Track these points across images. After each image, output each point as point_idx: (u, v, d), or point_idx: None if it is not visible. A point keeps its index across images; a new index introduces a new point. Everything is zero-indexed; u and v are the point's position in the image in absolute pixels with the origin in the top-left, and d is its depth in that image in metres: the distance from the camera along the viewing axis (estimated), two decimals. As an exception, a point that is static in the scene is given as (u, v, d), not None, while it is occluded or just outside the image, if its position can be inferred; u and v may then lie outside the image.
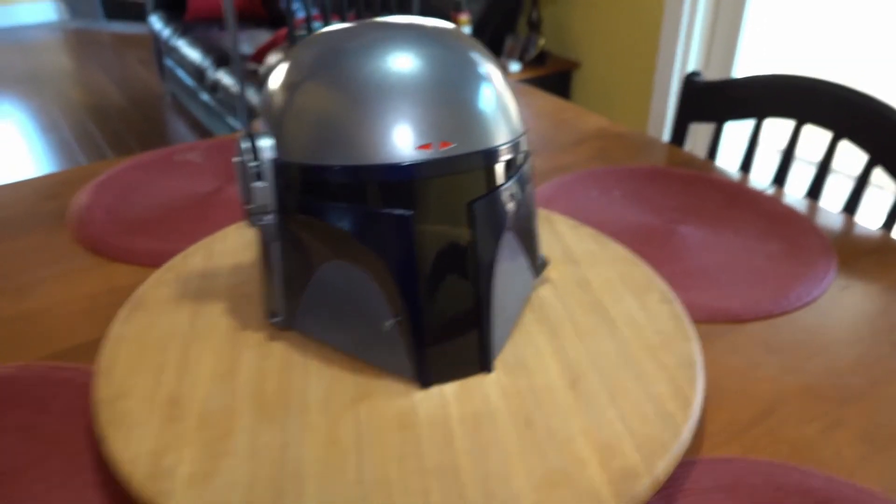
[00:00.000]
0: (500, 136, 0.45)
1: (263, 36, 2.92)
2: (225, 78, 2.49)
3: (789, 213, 0.74)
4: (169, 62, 3.12)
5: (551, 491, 0.38)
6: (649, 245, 0.68)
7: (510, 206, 0.46)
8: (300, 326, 0.50)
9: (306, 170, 0.44)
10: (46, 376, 0.51)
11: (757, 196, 0.77)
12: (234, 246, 0.61)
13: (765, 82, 0.87)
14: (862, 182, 0.81)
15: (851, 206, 0.82)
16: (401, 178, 0.42)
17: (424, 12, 2.29)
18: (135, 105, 3.30)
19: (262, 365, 0.48)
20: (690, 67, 1.94)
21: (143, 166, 0.83)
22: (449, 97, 0.43)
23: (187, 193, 0.77)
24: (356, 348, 0.48)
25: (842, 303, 0.61)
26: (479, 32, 2.26)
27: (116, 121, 3.10)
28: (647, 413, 0.44)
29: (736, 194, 0.78)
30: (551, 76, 2.26)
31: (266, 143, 0.45)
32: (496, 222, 0.45)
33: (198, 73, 2.68)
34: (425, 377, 0.45)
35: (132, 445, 0.41)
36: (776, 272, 0.64)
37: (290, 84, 0.45)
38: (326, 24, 1.79)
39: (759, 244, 0.69)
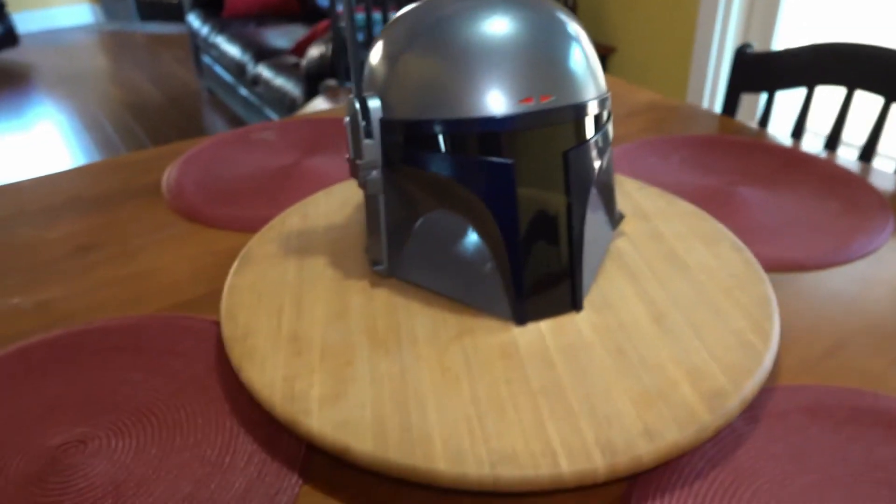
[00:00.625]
0: (590, 92, 0.49)
1: (299, 31, 2.98)
2: (266, 71, 2.55)
3: (844, 173, 0.77)
4: (206, 59, 3.20)
5: (649, 407, 0.42)
6: (711, 205, 0.71)
7: (596, 159, 0.50)
8: (402, 274, 0.54)
9: (414, 125, 0.48)
10: (169, 324, 0.56)
11: (812, 159, 0.80)
12: (326, 209, 0.66)
13: (814, 51, 0.90)
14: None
15: (903, 169, 0.84)
16: (504, 129, 0.46)
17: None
18: (172, 101, 3.39)
19: (370, 307, 0.52)
20: (729, 42, 1.96)
21: (223, 143, 0.89)
22: (545, 55, 0.47)
23: (267, 166, 0.82)
24: (455, 291, 0.52)
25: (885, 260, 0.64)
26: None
27: (156, 117, 3.18)
28: (729, 343, 0.48)
29: (791, 158, 0.81)
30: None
31: (374, 104, 0.50)
32: (586, 173, 0.49)
33: (238, 68, 2.75)
34: (521, 316, 0.50)
35: (266, 374, 0.46)
36: (835, 226, 0.67)
37: (392, 53, 0.49)
38: (368, 15, 1.84)
39: (817, 202, 0.72)
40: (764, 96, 0.92)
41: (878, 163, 1.42)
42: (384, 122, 0.50)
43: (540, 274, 0.49)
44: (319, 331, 0.50)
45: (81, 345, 0.54)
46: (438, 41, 0.48)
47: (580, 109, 0.48)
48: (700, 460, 0.43)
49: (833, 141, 0.90)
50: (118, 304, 0.59)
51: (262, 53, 2.70)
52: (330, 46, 2.11)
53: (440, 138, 0.48)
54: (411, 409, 0.43)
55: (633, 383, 0.44)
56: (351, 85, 1.91)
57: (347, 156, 0.53)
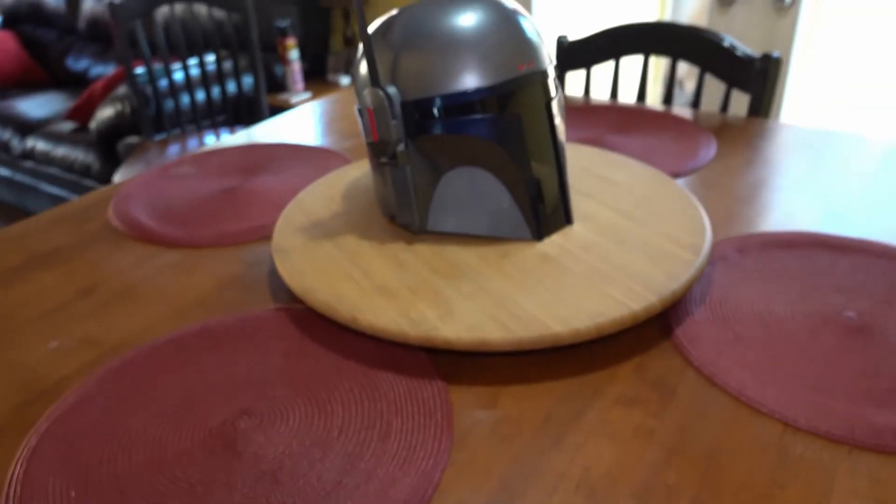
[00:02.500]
0: (547, 60, 0.65)
1: (57, 97, 2.78)
2: (41, 144, 2.36)
3: (674, 117, 1.04)
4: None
5: (660, 264, 0.60)
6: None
7: (560, 109, 0.67)
8: (434, 226, 0.66)
9: (440, 99, 0.60)
10: (252, 321, 0.61)
11: (646, 111, 1.06)
12: (320, 204, 0.75)
13: (612, 33, 1.17)
14: (700, 84, 1.14)
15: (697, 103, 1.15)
16: (510, 91, 0.61)
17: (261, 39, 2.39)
18: None
19: (421, 255, 0.63)
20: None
21: (148, 182, 0.90)
22: (524, 34, 0.62)
23: (212, 189, 0.87)
24: (481, 228, 0.65)
25: (723, 165, 0.90)
26: (303, 54, 2.41)
27: None
28: (681, 221, 0.67)
29: (633, 112, 1.06)
30: (375, 84, 2.48)
31: (393, 90, 0.62)
32: (558, 119, 0.66)
33: None
34: (540, 233, 0.65)
35: (381, 317, 0.55)
36: (676, 150, 0.92)
37: (400, 45, 0.62)
38: (166, 65, 1.84)
39: (659, 139, 0.97)
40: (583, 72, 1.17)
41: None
42: (407, 104, 0.62)
43: (545, 199, 0.65)
44: (394, 280, 0.60)
45: (199, 343, 0.57)
46: (450, 29, 0.61)
47: (546, 72, 0.64)
48: (699, 287, 0.61)
49: (642, 94, 1.19)
50: (163, 321, 0.63)
51: (28, 126, 2.48)
52: (127, 103, 2.04)
53: (473, 104, 0.61)
54: (509, 305, 0.56)
55: (641, 255, 0.62)
56: (148, 138, 1.90)
57: (369, 140, 0.64)
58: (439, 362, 0.55)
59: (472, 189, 0.65)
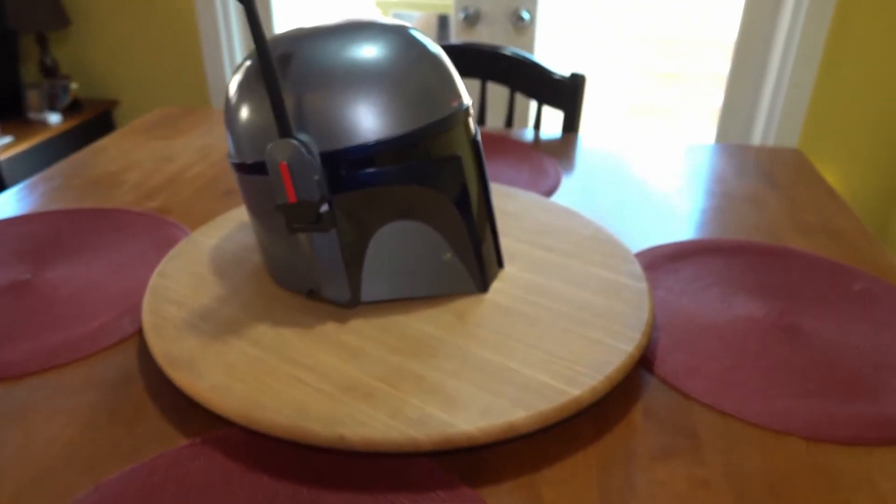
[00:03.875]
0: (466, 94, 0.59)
1: None
2: None
3: (524, 144, 1.03)
4: None
5: (612, 296, 0.58)
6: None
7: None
8: (368, 296, 0.55)
9: (362, 148, 0.50)
10: (185, 461, 0.44)
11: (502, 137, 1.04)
12: (189, 287, 0.58)
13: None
14: (511, 103, 1.16)
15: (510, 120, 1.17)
16: (443, 130, 0.53)
17: None
18: None
19: (367, 335, 0.52)
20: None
21: None
22: (445, 70, 0.55)
23: (-8, 295, 0.62)
24: (419, 289, 0.56)
25: (576, 185, 0.93)
26: (-11, 90, 1.94)
27: None
28: (606, 250, 0.66)
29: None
30: (92, 121, 2.12)
31: (308, 140, 0.50)
32: (483, 155, 0.60)
33: None
34: (485, 283, 0.58)
35: (373, 427, 0.44)
36: (528, 176, 0.93)
37: (308, 90, 0.50)
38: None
39: (507, 165, 0.96)
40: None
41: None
42: (327, 154, 0.50)
43: (483, 245, 0.58)
44: (356, 373, 0.48)
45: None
46: (374, 64, 0.51)
47: (468, 108, 0.58)
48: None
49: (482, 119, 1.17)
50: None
51: None
52: None
53: (396, 152, 0.51)
54: (506, 374, 0.48)
55: (594, 290, 0.59)
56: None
57: (281, 203, 0.50)
58: (449, 465, 0.46)
59: (406, 246, 0.55)
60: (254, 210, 0.57)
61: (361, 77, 0.51)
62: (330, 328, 0.53)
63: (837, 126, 1.79)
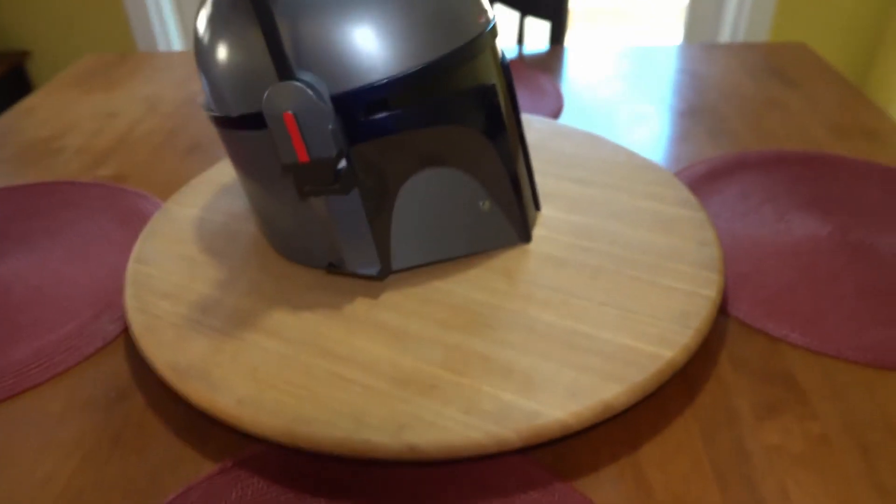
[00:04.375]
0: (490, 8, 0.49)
1: None
2: None
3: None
4: None
5: (676, 232, 0.51)
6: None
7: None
8: (399, 263, 0.47)
9: (393, 81, 0.40)
10: (228, 480, 0.36)
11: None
12: (177, 272, 0.48)
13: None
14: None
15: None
16: (473, 54, 0.43)
17: None
18: None
19: (407, 311, 0.44)
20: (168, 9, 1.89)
21: None
22: None
23: (-68, 305, 0.51)
24: (456, 249, 0.48)
25: (585, 104, 0.84)
26: None
27: None
28: (652, 176, 0.58)
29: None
30: (2, 77, 1.90)
31: (316, 81, 0.40)
32: (513, 81, 0.50)
33: None
34: (527, 232, 0.50)
35: (447, 428, 0.36)
36: (533, 98, 0.83)
37: (309, 5, 0.39)
38: None
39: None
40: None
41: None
42: (340, 97, 0.40)
43: (523, 186, 0.50)
44: (407, 361, 0.40)
45: None
46: None
47: (495, 25, 0.48)
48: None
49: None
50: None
51: None
52: None
53: (412, 91, 0.42)
54: (583, 343, 0.41)
55: (651, 227, 0.51)
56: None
57: (290, 161, 0.41)
58: (535, 458, 0.39)
59: (438, 199, 0.46)
60: (247, 172, 0.47)
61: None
62: (361, 307, 0.45)
63: (807, 13, 1.73)
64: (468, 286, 0.46)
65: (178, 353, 0.41)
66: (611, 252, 0.49)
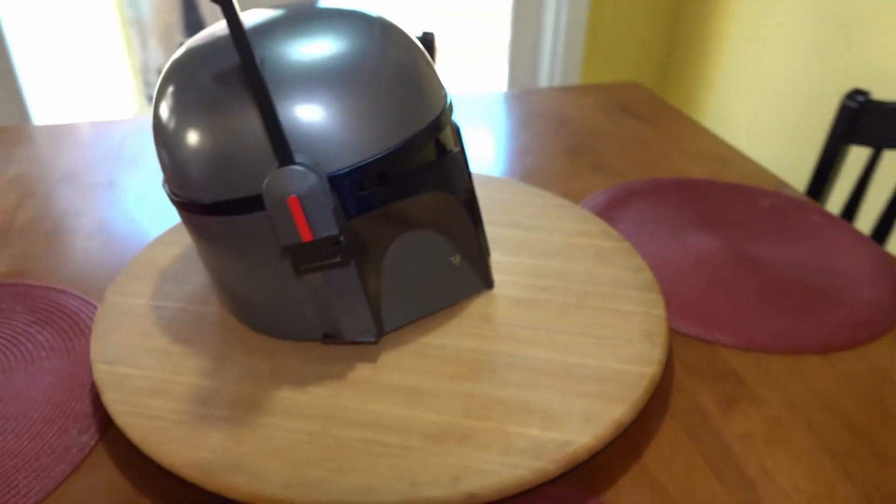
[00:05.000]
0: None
1: None
2: None
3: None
4: None
5: (606, 262, 0.58)
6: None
7: None
8: (391, 325, 0.48)
9: (371, 165, 0.43)
10: None
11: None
12: (160, 367, 0.46)
13: None
14: None
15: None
16: (439, 129, 0.47)
17: None
18: None
19: (411, 370, 0.46)
20: None
21: None
22: (427, 60, 0.48)
23: None
24: (434, 303, 0.51)
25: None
26: None
27: None
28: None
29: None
30: None
31: (313, 163, 0.41)
32: (464, 141, 0.54)
33: None
34: (490, 279, 0.54)
35: (493, 472, 0.39)
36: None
37: (298, 85, 0.41)
38: None
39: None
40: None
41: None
42: (337, 177, 0.42)
43: (483, 240, 0.54)
44: (430, 417, 0.42)
45: None
46: (368, 67, 0.43)
47: (452, 101, 0.51)
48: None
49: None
50: None
51: None
52: None
53: (400, 163, 0.45)
54: (579, 371, 0.46)
55: (588, 263, 0.58)
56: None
57: (291, 242, 0.41)
58: (566, 482, 0.43)
59: (416, 260, 0.49)
60: (222, 257, 0.46)
61: (362, 77, 0.43)
62: (364, 372, 0.46)
63: (609, 61, 1.97)
64: (455, 337, 0.49)
65: (197, 451, 0.40)
66: (567, 287, 0.54)
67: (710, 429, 0.47)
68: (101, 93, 2.46)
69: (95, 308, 0.57)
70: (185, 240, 0.61)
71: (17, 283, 0.61)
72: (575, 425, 0.42)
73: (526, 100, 1.03)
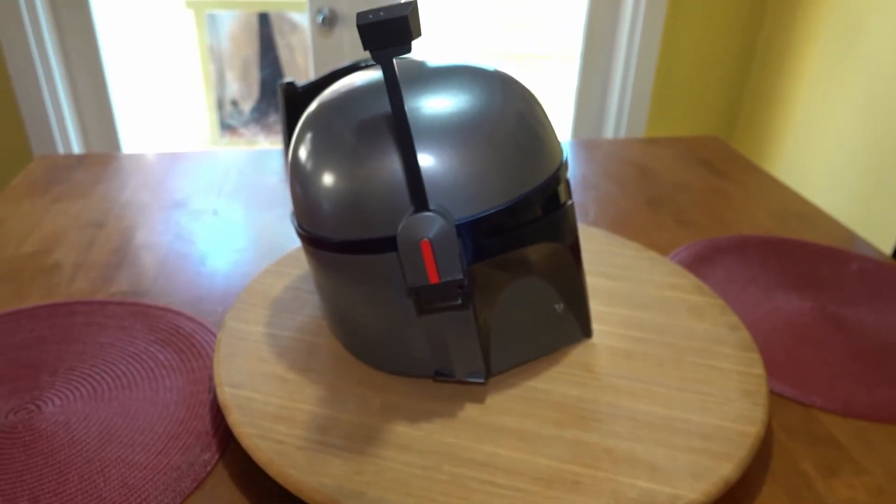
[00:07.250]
0: None
1: None
2: None
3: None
4: None
5: (697, 316, 0.59)
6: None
7: None
8: (498, 367, 0.50)
9: (498, 215, 0.45)
10: None
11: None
12: (304, 411, 0.48)
13: (341, 72, 1.05)
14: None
15: None
16: (562, 175, 0.49)
17: None
18: None
19: (520, 413, 0.48)
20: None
21: None
22: (546, 114, 0.51)
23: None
24: (538, 349, 0.53)
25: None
26: None
27: None
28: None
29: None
30: None
31: (446, 211, 0.44)
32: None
33: None
34: (590, 329, 0.56)
35: (598, 518, 0.40)
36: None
37: (437, 138, 0.44)
38: None
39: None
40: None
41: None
42: (464, 224, 0.45)
43: (585, 289, 0.56)
44: (545, 461, 0.44)
45: None
46: (498, 122, 0.46)
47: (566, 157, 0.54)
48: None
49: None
50: None
51: None
52: None
53: (532, 208, 0.47)
54: (681, 426, 0.47)
55: (679, 314, 0.59)
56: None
57: (419, 284, 0.44)
58: (664, 533, 0.44)
59: (524, 306, 0.51)
60: (344, 291, 0.49)
61: (493, 131, 0.45)
62: (473, 412, 0.48)
63: (676, 112, 1.98)
64: (559, 383, 0.51)
65: (318, 477, 0.42)
66: (662, 341, 0.56)
67: (813, 493, 0.47)
68: (178, 122, 2.59)
69: (209, 331, 0.61)
70: (294, 271, 0.64)
71: (137, 302, 0.65)
72: (683, 480, 0.43)
73: (605, 149, 1.05)
